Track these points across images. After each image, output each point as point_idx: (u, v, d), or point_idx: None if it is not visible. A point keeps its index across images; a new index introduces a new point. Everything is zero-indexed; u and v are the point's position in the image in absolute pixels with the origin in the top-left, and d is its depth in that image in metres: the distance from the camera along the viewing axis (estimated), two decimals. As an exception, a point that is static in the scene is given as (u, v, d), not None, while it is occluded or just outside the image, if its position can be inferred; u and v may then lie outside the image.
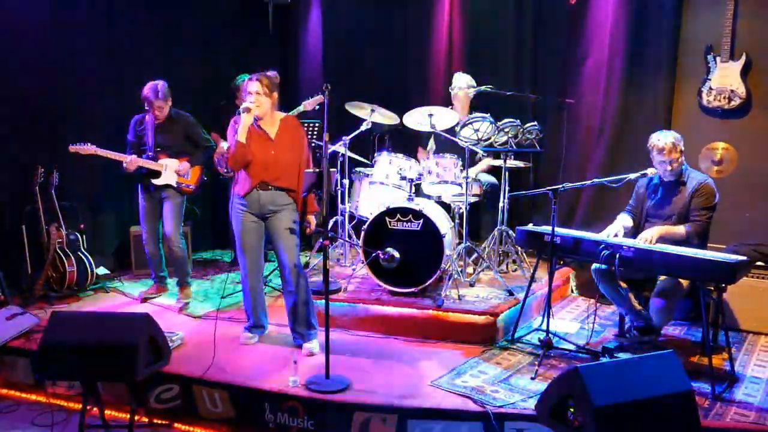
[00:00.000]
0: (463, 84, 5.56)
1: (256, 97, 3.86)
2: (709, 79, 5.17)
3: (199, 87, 6.48)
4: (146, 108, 4.81)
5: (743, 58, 5.04)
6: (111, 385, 3.70)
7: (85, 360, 3.15)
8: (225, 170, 5.71)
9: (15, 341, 4.15)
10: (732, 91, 5.09)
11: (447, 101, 5.77)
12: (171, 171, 4.89)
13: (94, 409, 3.50)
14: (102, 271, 5.64)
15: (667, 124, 5.37)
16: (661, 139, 3.96)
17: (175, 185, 4.92)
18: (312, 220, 4.15)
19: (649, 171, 4.05)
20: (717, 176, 4.91)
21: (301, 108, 5.22)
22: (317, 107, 5.20)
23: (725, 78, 5.10)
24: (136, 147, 4.90)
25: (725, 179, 4.93)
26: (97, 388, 3.45)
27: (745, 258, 3.51)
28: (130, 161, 4.78)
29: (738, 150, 5.10)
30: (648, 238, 3.79)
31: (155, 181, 4.86)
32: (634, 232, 4.10)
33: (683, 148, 4.00)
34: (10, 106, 5.04)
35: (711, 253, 3.58)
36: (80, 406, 3.38)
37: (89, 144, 4.74)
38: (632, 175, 4.02)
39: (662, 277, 3.88)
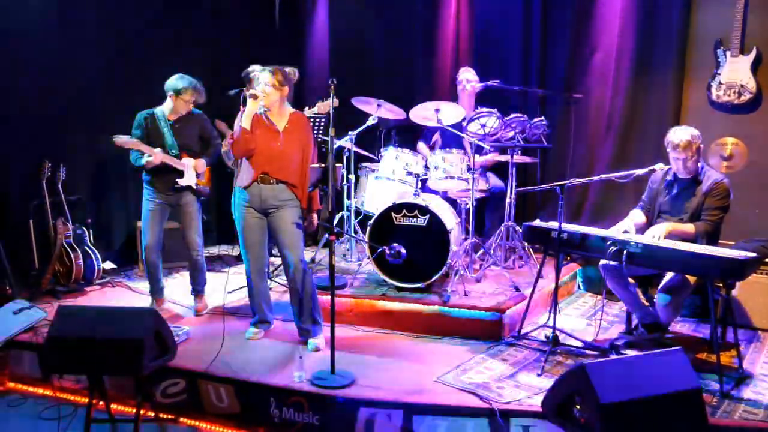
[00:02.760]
0: (471, 77, 5.53)
1: (264, 87, 3.86)
2: (719, 74, 5.12)
3: (206, 86, 6.47)
4: (182, 101, 4.53)
5: (754, 52, 5.00)
6: (117, 380, 3.72)
7: (91, 354, 3.16)
8: (232, 163, 5.67)
9: (22, 335, 4.16)
10: (742, 85, 5.04)
11: (454, 96, 5.75)
12: (191, 171, 4.60)
13: (101, 403, 3.52)
14: (109, 265, 5.66)
15: (675, 119, 5.34)
16: (678, 134, 3.89)
17: (195, 187, 4.64)
18: (314, 218, 4.15)
19: (658, 167, 4.02)
20: (726, 172, 4.87)
21: (315, 110, 5.22)
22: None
23: (735, 72, 5.06)
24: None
25: (735, 175, 4.88)
26: (103, 382, 3.46)
27: (754, 254, 3.47)
28: (156, 155, 4.42)
29: (748, 145, 5.05)
30: (656, 235, 3.76)
31: (181, 182, 4.55)
32: (645, 229, 4.06)
33: (702, 146, 3.92)
34: (17, 102, 5.04)
35: (720, 250, 3.55)
36: (87, 399, 3.39)
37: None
38: (640, 171, 3.99)
39: (669, 273, 3.85)
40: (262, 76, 3.89)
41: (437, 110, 4.93)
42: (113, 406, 3.60)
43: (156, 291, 4.79)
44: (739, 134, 5.08)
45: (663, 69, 5.42)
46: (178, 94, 4.51)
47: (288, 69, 3.98)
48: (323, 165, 5.23)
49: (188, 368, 3.71)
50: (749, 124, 5.11)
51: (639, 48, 5.49)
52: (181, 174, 4.55)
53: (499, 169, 5.61)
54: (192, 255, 4.72)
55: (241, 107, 3.93)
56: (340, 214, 5.53)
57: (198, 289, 4.81)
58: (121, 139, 4.42)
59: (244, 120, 3.85)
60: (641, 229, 4.05)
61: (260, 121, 3.92)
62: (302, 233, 4.05)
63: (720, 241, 4.04)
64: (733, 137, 5.08)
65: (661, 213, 4.10)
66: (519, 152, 5.17)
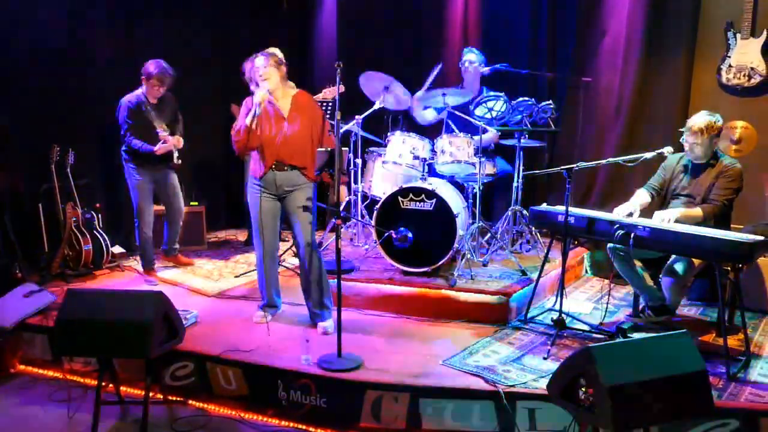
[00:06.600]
0: (474, 59, 5.47)
1: (264, 71, 3.86)
2: (729, 57, 5.07)
3: (214, 67, 6.48)
4: (157, 86, 4.86)
5: (765, 34, 4.94)
6: (126, 362, 3.75)
7: (100, 337, 3.19)
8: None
9: (32, 318, 4.20)
10: (752, 68, 4.99)
11: (461, 79, 5.71)
12: (175, 150, 5.05)
13: (110, 385, 3.55)
14: (117, 249, 5.69)
15: (685, 102, 5.31)
16: (694, 118, 3.91)
17: (177, 162, 5.15)
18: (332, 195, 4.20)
19: (666, 150, 3.99)
20: (735, 155, 4.82)
21: (320, 95, 5.20)
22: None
23: (745, 55, 5.01)
24: (140, 129, 4.86)
25: (744, 159, 4.84)
26: (112, 364, 3.50)
27: (762, 238, 3.45)
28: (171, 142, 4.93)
29: (758, 129, 5.00)
30: (665, 219, 3.74)
31: (176, 161, 5.06)
32: (651, 210, 4.04)
33: (717, 135, 3.90)
34: (25, 86, 5.06)
35: (727, 233, 3.53)
36: (96, 382, 3.41)
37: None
38: (648, 155, 3.96)
39: (674, 255, 3.84)
40: (256, 62, 3.88)
41: (444, 94, 4.90)
42: (123, 388, 3.64)
43: (149, 263, 5.18)
44: (748, 117, 5.04)
45: (673, 52, 5.36)
46: (149, 78, 4.83)
47: (276, 50, 3.98)
48: (329, 149, 5.23)
49: (197, 351, 3.74)
50: (759, 107, 5.06)
51: (648, 30, 5.43)
52: (171, 154, 5.02)
53: (507, 152, 5.58)
54: (180, 222, 5.39)
55: (244, 104, 3.95)
56: (347, 199, 5.53)
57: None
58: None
59: (248, 118, 3.85)
60: (646, 210, 4.03)
61: (266, 112, 3.92)
62: (314, 215, 4.05)
63: (731, 226, 4.02)
64: (743, 120, 5.04)
65: (676, 195, 4.07)
66: (526, 136, 5.13)
